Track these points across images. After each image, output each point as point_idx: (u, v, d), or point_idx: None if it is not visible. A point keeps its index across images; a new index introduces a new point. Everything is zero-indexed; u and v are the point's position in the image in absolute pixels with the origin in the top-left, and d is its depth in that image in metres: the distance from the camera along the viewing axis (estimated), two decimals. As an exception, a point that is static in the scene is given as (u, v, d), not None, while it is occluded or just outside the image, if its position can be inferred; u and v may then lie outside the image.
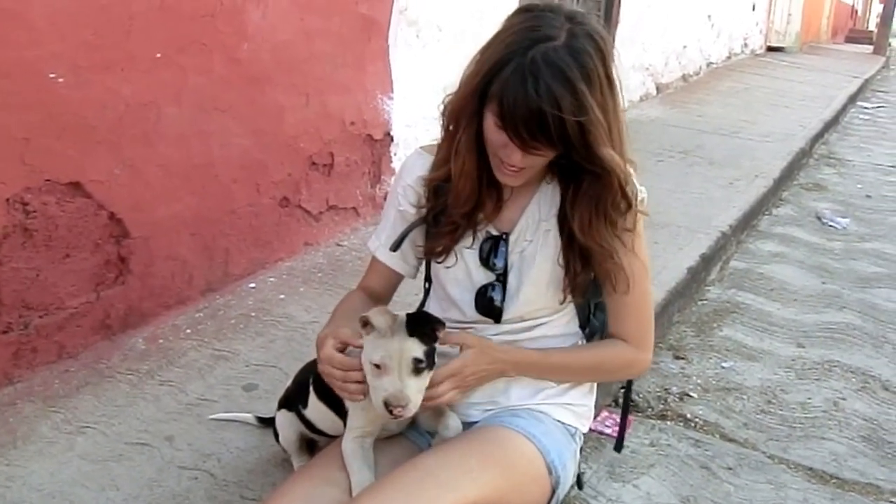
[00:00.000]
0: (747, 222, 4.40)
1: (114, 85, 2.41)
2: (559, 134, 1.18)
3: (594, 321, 1.54)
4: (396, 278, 1.58)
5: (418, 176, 1.47)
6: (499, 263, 1.42)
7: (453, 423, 1.40)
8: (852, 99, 8.87)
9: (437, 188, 1.42)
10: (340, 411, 1.47)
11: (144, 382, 2.37)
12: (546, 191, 1.41)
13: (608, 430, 2.50)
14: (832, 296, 3.63)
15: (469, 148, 1.32)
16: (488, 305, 1.43)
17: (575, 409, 1.52)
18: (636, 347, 1.47)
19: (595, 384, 1.66)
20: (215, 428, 2.15)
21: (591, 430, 2.48)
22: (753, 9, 10.65)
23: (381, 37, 3.53)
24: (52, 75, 2.22)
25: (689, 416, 2.64)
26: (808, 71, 10.36)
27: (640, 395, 2.73)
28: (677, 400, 2.76)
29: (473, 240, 1.44)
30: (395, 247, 1.49)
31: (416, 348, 1.23)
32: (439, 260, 1.45)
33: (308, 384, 1.54)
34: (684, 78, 8.40)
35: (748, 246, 4.33)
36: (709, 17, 8.76)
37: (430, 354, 1.25)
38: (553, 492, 1.41)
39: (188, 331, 2.70)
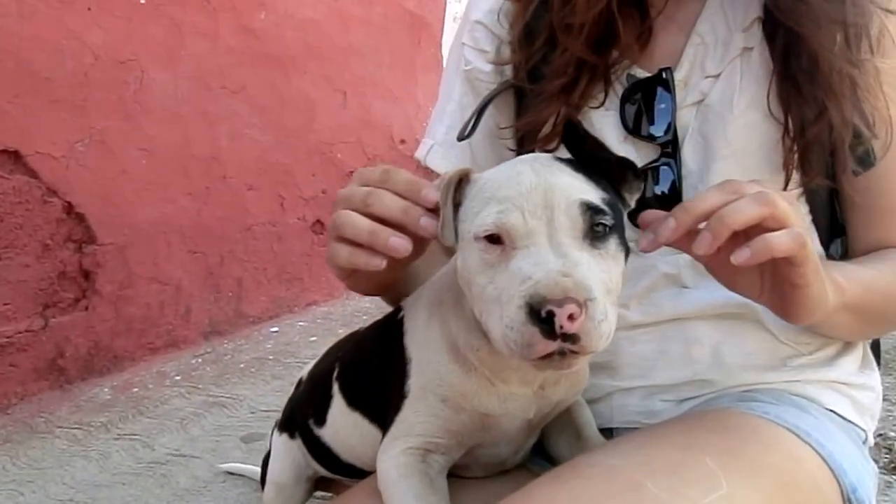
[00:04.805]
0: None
1: (77, 26, 1.79)
2: None
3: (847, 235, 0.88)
4: None
5: (491, 9, 0.89)
6: (659, 128, 0.82)
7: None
8: None
9: (532, 24, 0.86)
10: (389, 422, 0.73)
11: (93, 437, 1.57)
12: None
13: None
14: None
15: None
16: (651, 205, 0.78)
17: (854, 392, 0.86)
18: None
19: (867, 352, 0.91)
20: (185, 493, 1.29)
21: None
22: None
23: (434, 43, 2.93)
24: (-17, -5, 1.61)
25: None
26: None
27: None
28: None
29: (606, 95, 0.84)
30: (467, 132, 0.86)
31: (585, 187, 0.60)
32: (549, 146, 0.83)
33: (329, 384, 0.85)
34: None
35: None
36: None
37: (614, 209, 0.61)
38: None
39: (177, 377, 1.89)
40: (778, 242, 0.58)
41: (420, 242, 0.64)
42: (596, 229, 0.58)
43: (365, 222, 0.62)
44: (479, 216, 0.59)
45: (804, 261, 0.61)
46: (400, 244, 0.61)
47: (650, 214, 0.64)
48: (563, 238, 0.57)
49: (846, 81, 0.77)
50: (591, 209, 0.58)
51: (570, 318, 0.52)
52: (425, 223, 0.61)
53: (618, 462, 0.66)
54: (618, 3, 0.82)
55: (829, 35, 0.77)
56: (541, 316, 0.52)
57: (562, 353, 0.54)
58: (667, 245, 0.62)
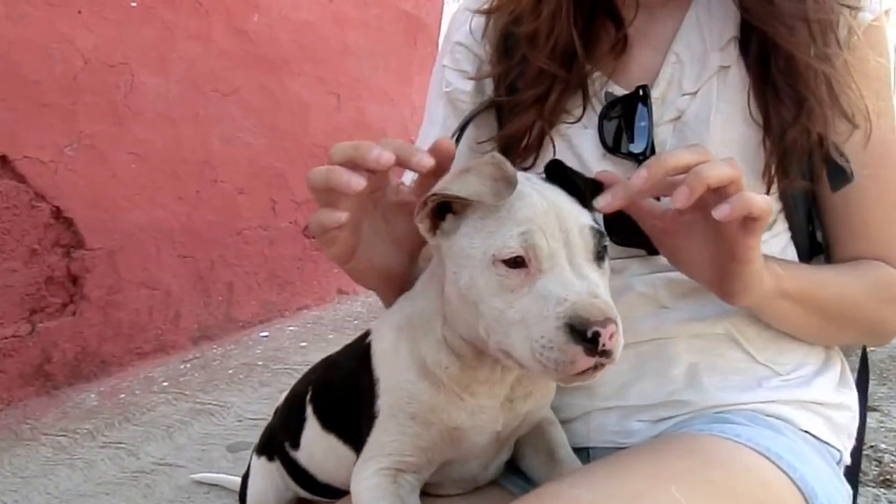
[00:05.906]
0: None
1: (67, 30, 1.77)
2: None
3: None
4: None
5: (470, 24, 0.89)
6: (638, 145, 0.81)
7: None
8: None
9: (509, 36, 0.85)
10: (362, 443, 0.72)
11: (79, 445, 1.55)
12: (704, 4, 0.85)
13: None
14: None
15: None
16: (630, 224, 0.79)
17: (829, 412, 0.86)
18: None
19: (846, 371, 0.90)
20: (168, 503, 1.28)
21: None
22: None
23: (431, 42, 2.92)
24: (-29, -3, 1.60)
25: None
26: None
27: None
28: (898, 460, 1.78)
29: (584, 110, 0.84)
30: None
31: (584, 211, 0.63)
32: (525, 162, 0.84)
33: (302, 409, 0.85)
34: None
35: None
36: None
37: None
38: None
39: (164, 383, 1.88)
40: (756, 200, 0.60)
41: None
42: (599, 251, 0.61)
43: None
44: (495, 236, 0.59)
45: (759, 231, 0.63)
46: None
47: (606, 175, 0.65)
48: (580, 260, 0.60)
49: (821, 78, 0.77)
50: (599, 233, 0.61)
51: (612, 330, 0.56)
52: (347, 179, 0.57)
53: (582, 492, 0.66)
54: (587, 16, 0.83)
55: (796, 32, 0.77)
56: (586, 336, 0.55)
57: (594, 367, 0.57)
58: (632, 199, 0.64)
